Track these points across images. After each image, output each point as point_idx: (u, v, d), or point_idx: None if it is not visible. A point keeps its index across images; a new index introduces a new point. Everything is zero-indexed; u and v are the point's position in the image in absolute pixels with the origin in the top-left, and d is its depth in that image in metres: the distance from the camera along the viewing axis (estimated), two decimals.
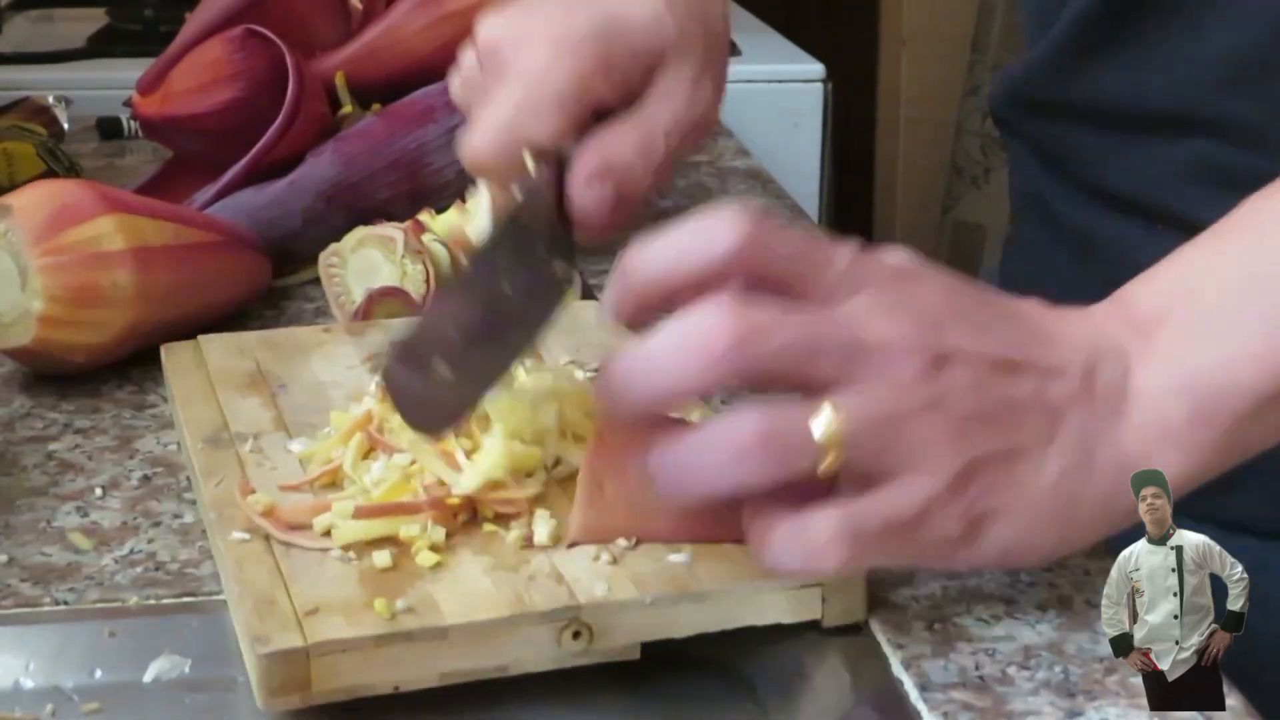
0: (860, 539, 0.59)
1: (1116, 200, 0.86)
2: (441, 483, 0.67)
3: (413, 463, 0.68)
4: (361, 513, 0.65)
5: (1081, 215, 0.89)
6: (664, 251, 0.58)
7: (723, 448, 0.58)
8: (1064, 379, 0.61)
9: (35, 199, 0.86)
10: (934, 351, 0.59)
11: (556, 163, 0.65)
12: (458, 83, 0.75)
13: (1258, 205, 0.65)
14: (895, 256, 0.61)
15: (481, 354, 0.62)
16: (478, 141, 0.66)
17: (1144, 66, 0.82)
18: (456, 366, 0.60)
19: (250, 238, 0.95)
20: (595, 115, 0.68)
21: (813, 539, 0.58)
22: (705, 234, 0.58)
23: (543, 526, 0.65)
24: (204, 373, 0.82)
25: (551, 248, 0.64)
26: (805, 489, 0.59)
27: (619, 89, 0.70)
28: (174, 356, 0.84)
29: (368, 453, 0.70)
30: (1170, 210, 0.82)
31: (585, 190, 0.66)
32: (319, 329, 0.89)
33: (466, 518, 0.67)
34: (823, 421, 0.58)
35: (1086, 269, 0.88)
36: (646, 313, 0.59)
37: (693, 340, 0.57)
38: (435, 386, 0.60)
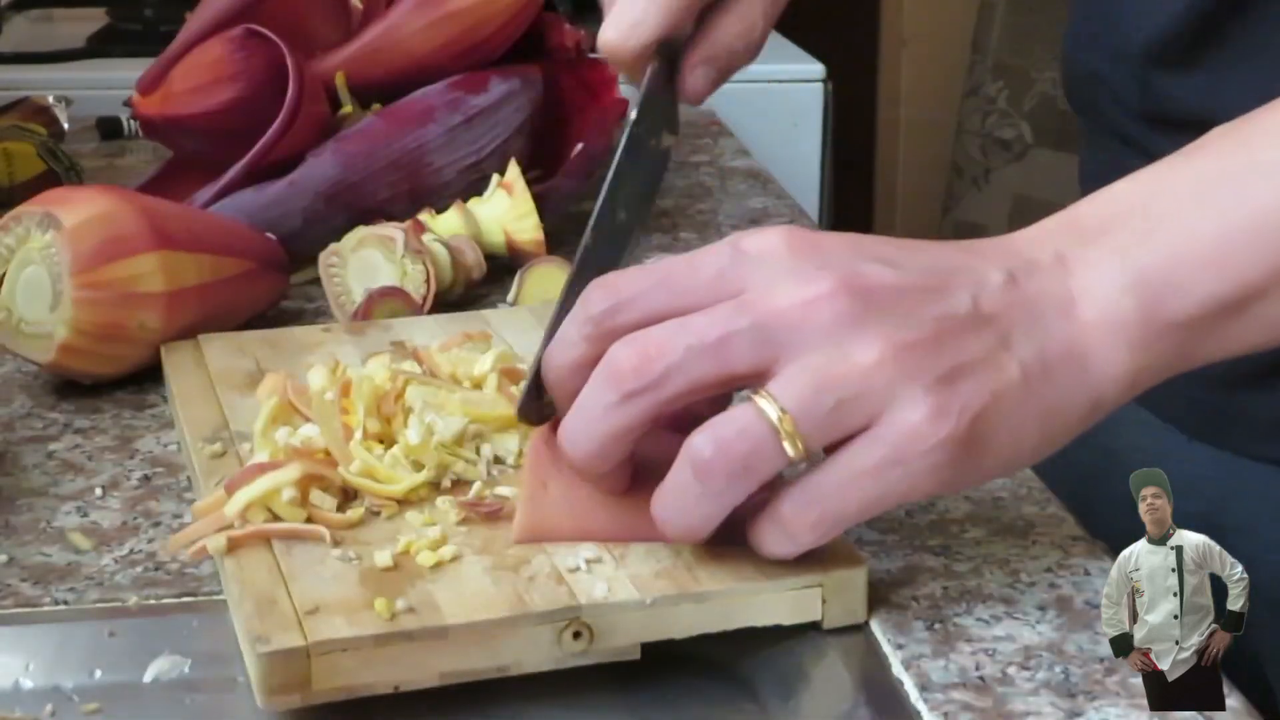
0: (845, 505, 0.59)
1: None
2: (325, 454, 0.69)
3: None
4: (234, 484, 0.66)
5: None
6: (555, 362, 0.62)
7: (687, 489, 0.59)
8: (991, 289, 0.60)
9: (88, 222, 0.83)
10: (851, 288, 0.58)
11: (670, 50, 0.73)
12: None
13: (1219, 132, 0.64)
14: (776, 231, 0.61)
15: None
16: (613, 35, 0.72)
17: (1224, 78, 0.81)
18: None
19: (279, 258, 0.95)
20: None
21: (794, 525, 0.59)
22: (566, 341, 0.62)
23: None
24: (204, 372, 0.82)
25: (661, 122, 0.73)
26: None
27: None
28: (174, 356, 0.84)
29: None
30: None
31: (695, 73, 0.74)
32: (319, 329, 0.89)
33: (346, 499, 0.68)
34: (767, 413, 0.57)
35: None
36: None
37: (597, 398, 0.59)
38: None
